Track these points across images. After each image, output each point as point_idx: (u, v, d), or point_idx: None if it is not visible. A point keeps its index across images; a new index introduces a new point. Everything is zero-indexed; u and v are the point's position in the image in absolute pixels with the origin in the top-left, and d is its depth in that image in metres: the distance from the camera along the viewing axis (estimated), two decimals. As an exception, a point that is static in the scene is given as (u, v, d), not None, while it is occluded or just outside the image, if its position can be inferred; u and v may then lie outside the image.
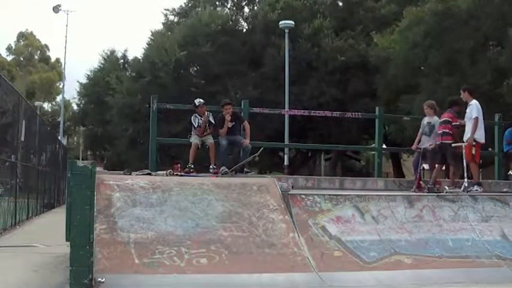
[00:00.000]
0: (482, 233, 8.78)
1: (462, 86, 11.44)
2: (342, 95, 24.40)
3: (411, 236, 8.45)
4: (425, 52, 19.44)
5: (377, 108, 13.53)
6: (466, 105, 10.86)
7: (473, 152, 10.50)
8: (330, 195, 8.87)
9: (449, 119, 10.80)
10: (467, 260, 8.29)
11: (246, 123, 11.36)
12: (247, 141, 11.12)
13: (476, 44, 18.07)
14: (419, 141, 11.27)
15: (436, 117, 11.07)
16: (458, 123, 10.88)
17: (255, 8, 27.74)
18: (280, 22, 23.51)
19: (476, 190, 10.13)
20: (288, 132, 22.00)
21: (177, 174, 10.18)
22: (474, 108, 10.57)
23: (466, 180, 10.34)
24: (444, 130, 10.76)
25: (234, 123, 11.17)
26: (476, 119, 10.47)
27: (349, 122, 23.84)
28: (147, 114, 13.95)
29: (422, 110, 11.77)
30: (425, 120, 11.21)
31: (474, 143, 10.50)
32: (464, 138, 10.65)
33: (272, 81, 24.94)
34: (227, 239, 7.57)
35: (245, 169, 11.12)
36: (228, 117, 11.00)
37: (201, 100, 11.47)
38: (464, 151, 10.51)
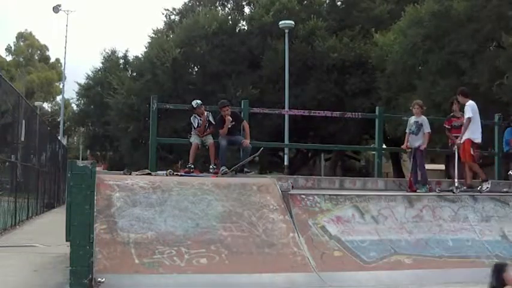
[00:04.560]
0: (482, 233, 8.79)
1: (458, 90, 11.48)
2: (340, 92, 24.48)
3: (411, 236, 8.45)
4: (424, 54, 19.47)
5: (377, 108, 13.51)
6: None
7: (472, 152, 10.54)
8: (330, 195, 8.87)
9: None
10: (467, 260, 8.30)
11: (245, 123, 11.37)
12: (247, 142, 11.13)
13: (476, 46, 18.07)
14: (408, 141, 11.26)
15: (423, 117, 11.09)
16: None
17: (254, 9, 27.76)
18: (280, 22, 23.53)
19: (487, 188, 10.16)
20: (288, 132, 22.00)
21: (177, 174, 10.18)
22: (468, 108, 10.63)
23: (456, 180, 10.39)
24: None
25: (233, 123, 11.19)
26: (469, 119, 10.52)
27: (349, 122, 23.87)
28: (146, 113, 13.94)
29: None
30: (412, 119, 11.15)
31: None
32: (460, 139, 10.72)
33: (271, 81, 24.98)
34: (227, 239, 7.57)
35: (245, 169, 11.12)
36: (228, 119, 11.02)
37: (198, 101, 11.49)
38: (460, 151, 10.57)
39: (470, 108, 10.59)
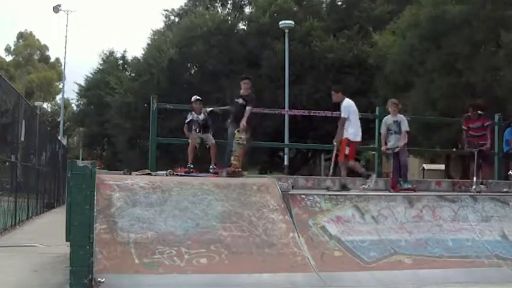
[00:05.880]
0: (482, 233, 8.78)
1: (333, 87, 11.48)
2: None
3: (411, 236, 8.45)
4: (422, 55, 19.56)
5: (377, 108, 13.51)
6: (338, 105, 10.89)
7: (347, 151, 10.50)
8: (330, 195, 8.87)
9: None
10: (467, 260, 8.29)
11: (248, 108, 10.83)
12: (243, 123, 10.57)
13: (472, 48, 18.11)
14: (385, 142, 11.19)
15: (400, 115, 11.09)
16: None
17: (253, 10, 27.82)
18: (281, 22, 23.55)
19: (369, 184, 10.31)
20: (288, 132, 21.99)
21: (177, 174, 10.17)
22: (342, 108, 10.65)
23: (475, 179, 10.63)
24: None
25: (244, 103, 10.85)
26: (343, 119, 10.53)
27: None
28: (143, 112, 13.95)
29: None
30: (391, 119, 11.07)
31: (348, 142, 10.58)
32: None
33: (270, 81, 25.01)
34: (227, 239, 7.57)
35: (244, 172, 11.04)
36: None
37: (196, 97, 11.53)
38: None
39: (344, 108, 10.61)
